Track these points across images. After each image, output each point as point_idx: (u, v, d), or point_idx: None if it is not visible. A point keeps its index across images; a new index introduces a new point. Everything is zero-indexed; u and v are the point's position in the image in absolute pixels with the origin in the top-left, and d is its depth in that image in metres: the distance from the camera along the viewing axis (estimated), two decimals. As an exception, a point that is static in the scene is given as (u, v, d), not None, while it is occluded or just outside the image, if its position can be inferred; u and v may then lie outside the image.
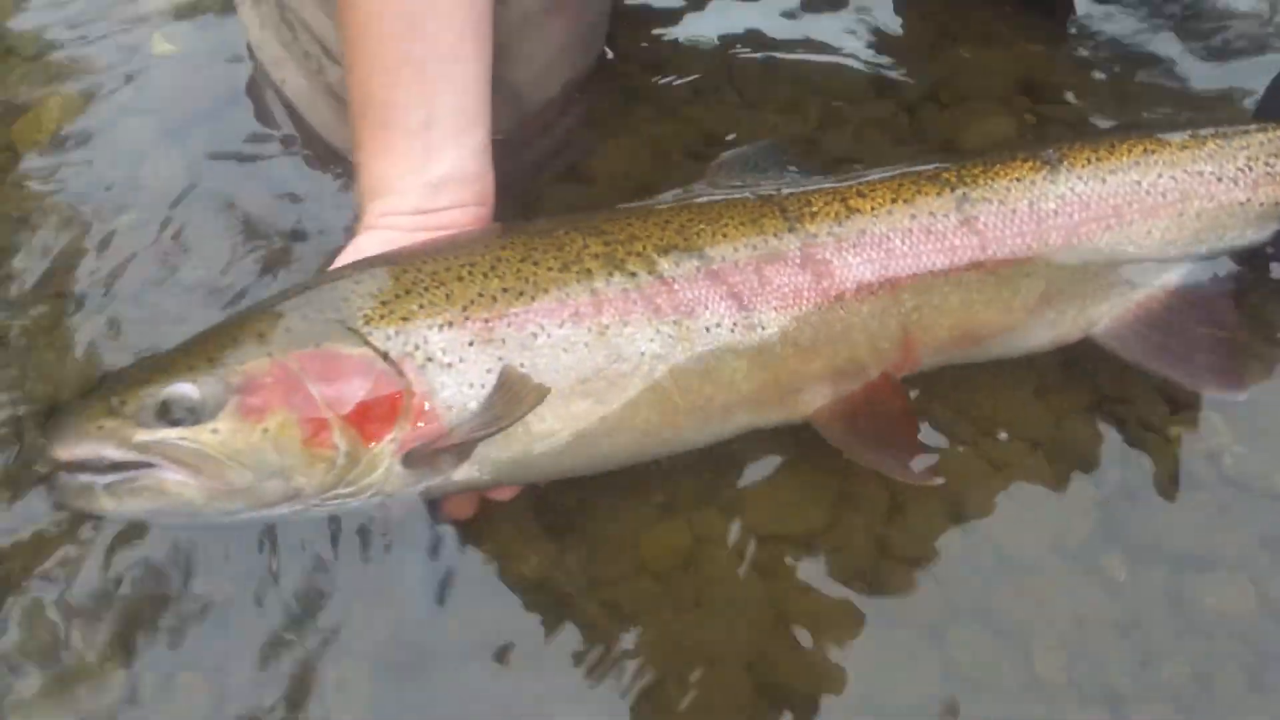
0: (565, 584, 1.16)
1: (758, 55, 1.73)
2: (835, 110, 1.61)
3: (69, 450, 1.04)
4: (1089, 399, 1.27)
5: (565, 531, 1.19)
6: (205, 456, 1.02)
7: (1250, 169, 1.29)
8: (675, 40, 1.75)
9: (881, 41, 1.72)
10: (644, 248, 1.13)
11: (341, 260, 1.21)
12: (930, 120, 1.60)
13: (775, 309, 1.14)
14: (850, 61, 1.69)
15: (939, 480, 1.20)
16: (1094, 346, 1.25)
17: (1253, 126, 1.33)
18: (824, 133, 1.57)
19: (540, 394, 1.05)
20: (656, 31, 1.77)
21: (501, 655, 1.11)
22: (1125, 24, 1.73)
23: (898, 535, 1.18)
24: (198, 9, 1.84)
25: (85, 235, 1.50)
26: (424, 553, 1.19)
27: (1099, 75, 1.68)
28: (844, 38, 1.74)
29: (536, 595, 1.15)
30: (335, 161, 1.54)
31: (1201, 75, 1.65)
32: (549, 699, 1.10)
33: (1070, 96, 1.64)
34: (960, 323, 1.22)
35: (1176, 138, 1.30)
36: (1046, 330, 1.25)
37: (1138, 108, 1.63)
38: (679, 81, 1.67)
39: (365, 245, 1.20)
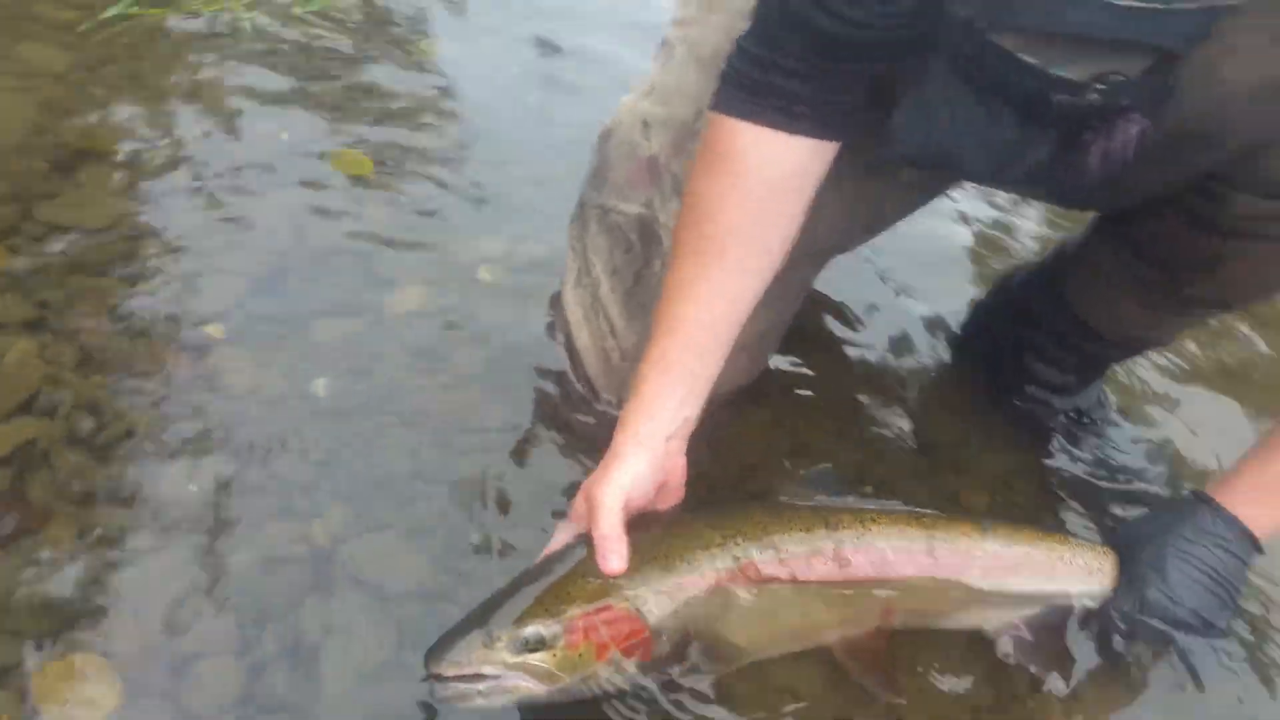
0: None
1: (847, 396, 2.35)
2: (879, 452, 2.26)
3: (459, 669, 1.50)
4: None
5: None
6: (546, 670, 1.52)
7: (1089, 569, 1.88)
8: (801, 370, 2.39)
9: (925, 420, 2.38)
10: (742, 541, 1.67)
11: (616, 461, 1.64)
12: (944, 481, 2.23)
13: (816, 582, 1.70)
14: (903, 424, 2.35)
15: (901, 700, 1.73)
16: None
17: (1103, 550, 1.90)
18: (869, 463, 2.22)
19: (741, 659, 1.66)
20: (793, 359, 2.41)
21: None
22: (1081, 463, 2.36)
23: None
24: (511, 260, 2.48)
25: (421, 372, 2.15)
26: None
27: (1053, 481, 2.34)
28: (897, 419, 2.36)
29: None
30: (588, 389, 2.15)
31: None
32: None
33: (1029, 494, 2.25)
34: (919, 606, 1.80)
35: (1056, 543, 1.89)
36: (967, 620, 1.84)
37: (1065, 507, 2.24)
38: (789, 400, 2.30)
39: (634, 460, 1.65)
